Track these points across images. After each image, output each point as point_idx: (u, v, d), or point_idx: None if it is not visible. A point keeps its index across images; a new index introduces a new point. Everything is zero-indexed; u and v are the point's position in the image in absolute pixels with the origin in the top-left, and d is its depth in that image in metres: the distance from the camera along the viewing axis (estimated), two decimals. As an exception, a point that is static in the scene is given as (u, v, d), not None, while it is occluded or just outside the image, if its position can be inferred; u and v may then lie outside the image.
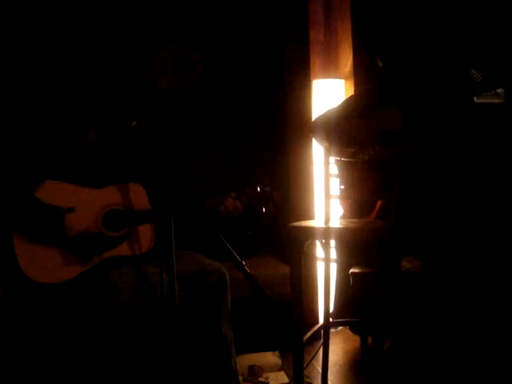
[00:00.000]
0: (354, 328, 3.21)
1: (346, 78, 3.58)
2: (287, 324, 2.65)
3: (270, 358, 2.97)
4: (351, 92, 3.54)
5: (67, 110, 2.94)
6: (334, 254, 3.04)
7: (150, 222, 2.39)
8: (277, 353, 3.01)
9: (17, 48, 3.28)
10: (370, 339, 3.11)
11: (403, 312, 2.84)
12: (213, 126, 3.73)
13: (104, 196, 2.37)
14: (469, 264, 2.68)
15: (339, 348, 3.29)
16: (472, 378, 2.60)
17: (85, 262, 2.29)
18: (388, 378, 2.58)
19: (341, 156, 2.70)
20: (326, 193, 2.69)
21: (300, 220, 2.90)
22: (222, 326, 2.49)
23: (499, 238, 2.79)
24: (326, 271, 2.82)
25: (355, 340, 3.28)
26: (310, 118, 3.37)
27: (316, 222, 2.97)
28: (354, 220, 2.86)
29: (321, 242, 2.74)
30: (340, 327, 3.47)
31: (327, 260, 2.81)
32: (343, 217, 3.00)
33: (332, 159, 2.71)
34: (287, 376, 2.85)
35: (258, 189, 2.53)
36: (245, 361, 2.87)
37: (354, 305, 3.06)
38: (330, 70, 3.57)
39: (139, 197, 2.40)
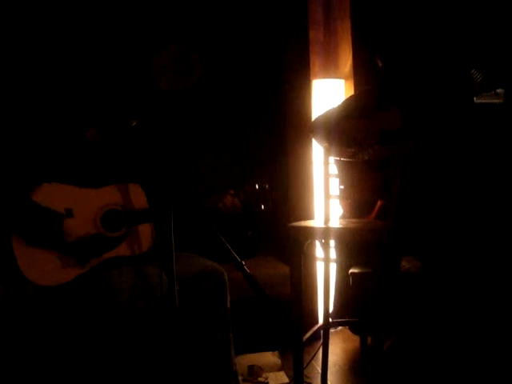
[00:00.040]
0: (354, 328, 3.20)
1: (345, 78, 3.58)
2: (287, 324, 2.65)
3: (270, 358, 2.96)
4: (351, 92, 3.54)
5: (64, 109, 2.94)
6: (333, 254, 3.03)
7: (148, 221, 2.38)
8: (276, 353, 3.00)
9: (15, 48, 3.28)
10: (369, 339, 3.11)
11: (403, 312, 2.84)
12: (213, 125, 3.73)
13: (102, 196, 2.37)
14: (469, 264, 2.68)
15: (339, 348, 3.29)
16: (472, 377, 2.60)
17: (83, 265, 2.29)
18: (388, 378, 2.58)
19: (341, 156, 2.70)
20: (325, 193, 2.69)
21: (300, 220, 2.90)
22: (222, 326, 2.49)
23: (499, 238, 2.79)
24: (326, 271, 2.82)
25: (355, 340, 3.28)
26: (310, 117, 3.37)
27: (316, 222, 2.97)
28: (353, 220, 2.86)
29: (320, 242, 2.74)
30: (340, 327, 3.47)
31: (327, 260, 2.81)
32: (343, 217, 3.00)
33: (332, 159, 2.71)
34: (287, 376, 2.85)
35: (257, 186, 2.52)
36: (244, 361, 2.87)
37: (354, 305, 3.06)
38: (330, 69, 3.57)
39: (138, 197, 2.40)
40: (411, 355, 2.76)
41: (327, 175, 2.69)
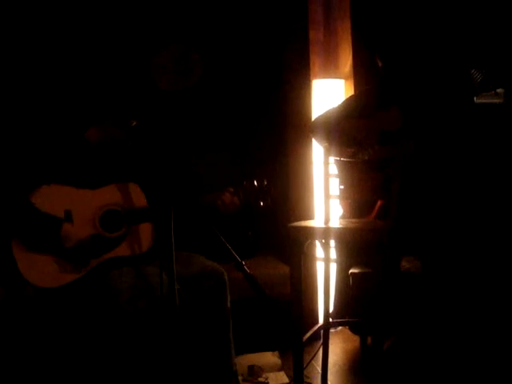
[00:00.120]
0: (354, 328, 3.20)
1: (345, 78, 3.58)
2: (287, 324, 2.64)
3: (270, 358, 2.96)
4: (351, 92, 3.54)
5: (63, 110, 2.94)
6: (333, 254, 3.04)
7: (148, 220, 2.38)
8: (276, 353, 3.00)
9: (15, 49, 3.27)
10: (369, 339, 3.11)
11: (403, 312, 2.84)
12: (212, 125, 3.73)
13: (101, 196, 2.37)
14: (469, 264, 2.68)
15: (339, 348, 3.29)
16: (472, 377, 2.60)
17: (83, 267, 2.28)
18: (388, 378, 2.58)
19: (341, 156, 2.70)
20: (325, 193, 2.69)
21: (300, 220, 2.89)
22: (222, 326, 2.49)
23: (499, 238, 2.79)
24: (326, 271, 2.82)
25: (355, 340, 3.28)
26: (310, 117, 3.37)
27: (316, 222, 2.97)
28: (353, 220, 2.86)
29: (320, 242, 2.74)
30: (340, 327, 3.47)
31: (327, 260, 2.81)
32: (343, 217, 3.00)
33: (332, 159, 2.71)
34: (287, 376, 2.85)
35: (256, 183, 2.52)
36: (244, 361, 2.87)
37: (354, 305, 3.06)
38: (330, 69, 3.57)
39: (137, 196, 2.40)
40: (411, 355, 2.76)
41: (327, 175, 2.69)
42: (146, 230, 2.38)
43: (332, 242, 2.84)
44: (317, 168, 3.41)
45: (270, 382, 2.81)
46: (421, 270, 2.81)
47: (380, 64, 3.00)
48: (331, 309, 2.96)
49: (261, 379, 2.82)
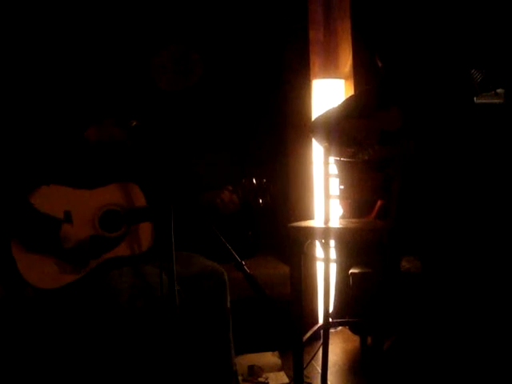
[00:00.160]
0: (354, 328, 3.20)
1: (345, 78, 3.58)
2: (287, 324, 2.64)
3: (270, 358, 2.96)
4: (351, 92, 3.54)
5: (62, 110, 2.94)
6: (333, 254, 3.04)
7: (148, 220, 2.38)
8: (276, 353, 3.00)
9: (15, 49, 3.27)
10: (369, 339, 3.11)
11: (403, 312, 2.84)
12: (212, 125, 3.73)
13: (100, 196, 2.36)
14: (469, 264, 2.68)
15: (339, 348, 3.29)
16: (472, 377, 2.60)
17: (82, 268, 2.28)
18: (388, 378, 2.58)
19: (340, 156, 2.70)
20: (325, 193, 2.69)
21: (300, 220, 2.89)
22: (222, 326, 2.48)
23: (499, 238, 2.79)
24: (326, 271, 2.82)
25: (355, 340, 3.28)
26: (310, 117, 3.37)
27: (316, 222, 2.97)
28: (353, 220, 2.86)
29: (320, 242, 2.74)
30: (340, 327, 3.47)
31: (327, 260, 2.81)
32: (343, 217, 3.00)
33: (332, 159, 2.71)
34: (287, 376, 2.85)
35: (254, 181, 2.52)
36: (244, 361, 2.87)
37: (354, 305, 3.06)
38: (330, 69, 3.57)
39: (136, 196, 2.39)
40: (411, 355, 2.76)
41: (327, 175, 2.69)
42: (145, 230, 2.38)
43: (332, 242, 2.85)
44: (317, 168, 3.41)
45: (270, 382, 2.81)
46: (421, 270, 2.81)
47: (380, 64, 3.00)
48: (331, 309, 2.96)
49: (261, 379, 2.82)
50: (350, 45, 3.56)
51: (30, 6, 3.30)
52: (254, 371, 2.84)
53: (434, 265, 2.67)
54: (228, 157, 3.80)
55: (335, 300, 3.10)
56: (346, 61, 3.58)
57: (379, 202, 2.90)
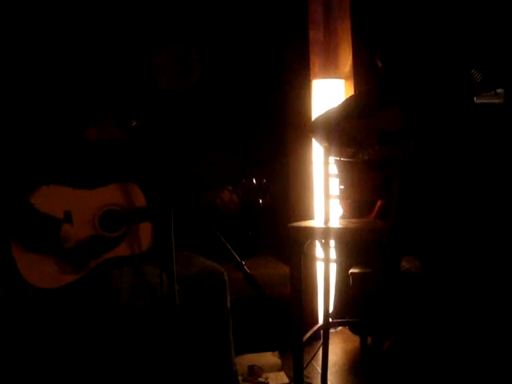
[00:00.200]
0: (354, 328, 3.20)
1: (345, 78, 3.58)
2: (287, 324, 2.64)
3: (270, 358, 2.96)
4: (351, 92, 3.54)
5: (62, 110, 2.94)
6: (333, 254, 3.03)
7: (147, 220, 2.38)
8: (276, 353, 3.00)
9: (14, 48, 3.27)
10: (369, 339, 3.11)
11: (403, 312, 2.84)
12: (212, 125, 3.73)
13: (100, 196, 2.36)
14: (469, 264, 2.68)
15: (339, 348, 3.29)
16: (472, 377, 2.60)
17: (82, 268, 2.28)
18: (388, 378, 2.58)
19: (340, 156, 2.70)
20: (325, 193, 2.69)
21: (300, 220, 2.90)
22: (222, 326, 2.48)
23: (499, 238, 2.79)
24: (326, 271, 2.82)
25: (355, 340, 3.28)
26: (310, 117, 3.37)
27: (316, 222, 2.97)
28: (353, 220, 2.86)
29: (320, 242, 2.74)
30: (340, 327, 3.47)
31: (327, 260, 2.81)
32: (343, 217, 3.00)
33: (332, 159, 2.71)
34: (287, 376, 2.85)
35: (254, 181, 2.52)
36: (244, 361, 2.87)
37: (354, 305, 3.06)
38: (330, 69, 3.57)
39: (136, 196, 2.39)
40: (411, 355, 2.76)
41: (327, 175, 2.69)
42: (145, 230, 2.38)
43: (332, 242, 2.84)
44: (317, 168, 3.41)
45: (270, 382, 2.81)
46: (421, 270, 2.81)
47: (380, 64, 3.00)
48: (331, 309, 2.96)
49: (261, 379, 2.82)
50: (350, 45, 3.56)
51: (30, 6, 3.30)
52: (254, 371, 2.84)
53: (434, 265, 2.67)
54: (228, 157, 3.80)
55: (335, 300, 3.09)
56: (346, 61, 3.58)
57: (379, 202, 2.90)
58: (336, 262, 3.14)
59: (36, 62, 3.29)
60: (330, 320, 2.86)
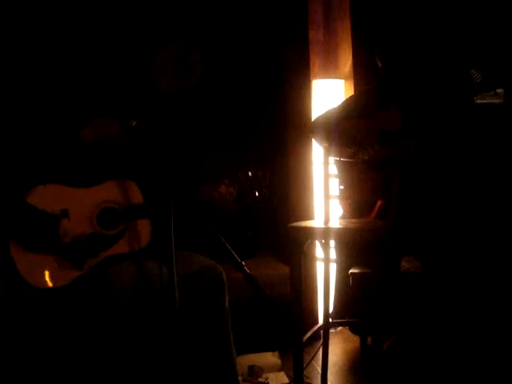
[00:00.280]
0: (354, 328, 3.20)
1: (345, 78, 3.58)
2: (287, 324, 2.64)
3: (270, 358, 2.96)
4: (351, 92, 3.54)
5: (60, 109, 2.94)
6: (333, 254, 3.03)
7: (145, 217, 2.38)
8: (276, 353, 3.00)
9: (13, 47, 3.27)
10: (369, 339, 3.11)
11: (403, 312, 2.84)
12: (212, 125, 3.73)
13: (97, 194, 2.36)
14: (469, 264, 2.68)
15: (339, 348, 3.29)
16: (472, 377, 2.60)
17: (81, 266, 2.28)
18: (388, 378, 2.58)
19: (340, 156, 2.70)
20: (325, 193, 2.69)
21: (300, 220, 2.90)
22: (220, 325, 2.48)
23: (499, 238, 2.79)
24: (326, 271, 2.82)
25: (355, 340, 3.28)
26: (310, 117, 3.37)
27: (315, 222, 2.97)
28: (353, 220, 2.86)
29: (320, 242, 2.74)
30: (340, 327, 3.47)
31: (327, 260, 2.81)
32: (343, 217, 3.00)
33: (332, 159, 2.71)
34: (287, 376, 2.85)
35: (250, 174, 2.52)
36: (244, 361, 2.87)
37: (354, 305, 3.06)
38: (330, 70, 3.57)
39: (133, 193, 2.39)
40: (411, 355, 2.76)
41: (327, 175, 2.69)
42: (143, 227, 2.38)
43: (332, 242, 2.84)
44: (317, 168, 3.41)
45: (270, 383, 2.81)
46: (421, 270, 2.80)
47: (380, 64, 3.00)
48: (331, 309, 2.96)
49: (261, 379, 2.82)
50: (350, 45, 3.56)
51: (30, 6, 3.30)
52: (254, 371, 2.84)
53: (434, 265, 2.67)
54: (228, 157, 3.80)
55: (335, 300, 3.09)
56: (346, 61, 3.58)
57: (379, 202, 2.90)
58: (336, 261, 3.14)
59: (35, 61, 3.28)
60: (330, 320, 2.86)
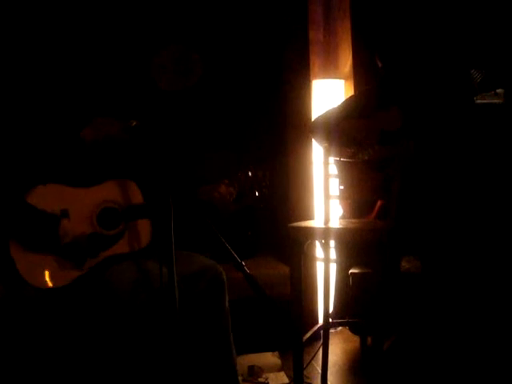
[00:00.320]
0: (354, 328, 3.20)
1: (345, 78, 3.58)
2: (287, 324, 2.64)
3: (270, 358, 2.96)
4: (351, 92, 3.54)
5: (60, 109, 2.94)
6: (333, 254, 3.03)
7: (145, 216, 2.38)
8: (276, 353, 3.00)
9: (12, 47, 3.27)
10: (369, 339, 3.11)
11: (403, 312, 2.84)
12: (212, 125, 3.73)
13: (97, 194, 2.36)
14: (469, 264, 2.68)
15: (339, 348, 3.29)
16: (472, 377, 2.60)
17: (81, 266, 2.28)
18: (388, 378, 2.58)
19: (340, 156, 2.70)
20: (325, 193, 2.69)
21: (300, 220, 2.90)
22: (220, 325, 2.48)
23: (499, 238, 2.79)
24: (326, 271, 2.82)
25: (355, 340, 3.28)
26: (310, 118, 3.37)
27: (316, 222, 2.97)
28: (353, 220, 2.86)
29: (320, 242, 2.74)
30: (340, 327, 3.47)
31: (327, 260, 2.81)
32: (343, 217, 3.00)
33: (332, 159, 2.71)
34: (287, 376, 2.85)
35: (250, 174, 2.53)
36: (244, 361, 2.87)
37: (354, 305, 3.06)
38: (330, 70, 3.57)
39: (133, 193, 2.39)
40: (411, 355, 2.76)
41: (327, 175, 2.69)
42: (143, 227, 2.38)
43: (332, 243, 2.85)
44: (317, 168, 3.41)
45: (270, 383, 2.81)
46: (421, 270, 2.81)
47: (380, 64, 3.00)
48: (331, 309, 2.96)
49: (261, 379, 2.82)
50: (350, 45, 3.56)
51: (30, 5, 3.30)
52: (254, 371, 2.84)
53: (434, 265, 2.67)
54: (228, 157, 3.80)
55: (335, 300, 3.10)
56: (346, 61, 3.58)
57: (379, 202, 2.90)
58: (336, 262, 3.14)
59: (35, 62, 3.28)
60: (330, 320, 2.86)
